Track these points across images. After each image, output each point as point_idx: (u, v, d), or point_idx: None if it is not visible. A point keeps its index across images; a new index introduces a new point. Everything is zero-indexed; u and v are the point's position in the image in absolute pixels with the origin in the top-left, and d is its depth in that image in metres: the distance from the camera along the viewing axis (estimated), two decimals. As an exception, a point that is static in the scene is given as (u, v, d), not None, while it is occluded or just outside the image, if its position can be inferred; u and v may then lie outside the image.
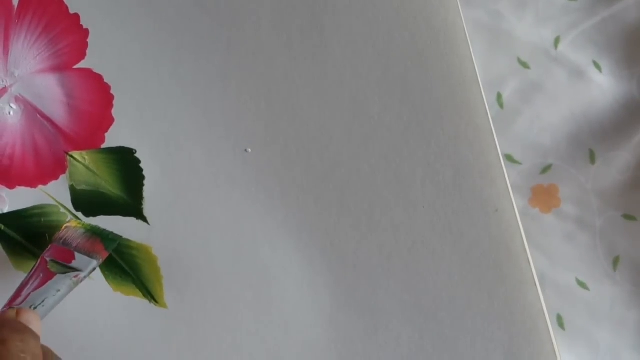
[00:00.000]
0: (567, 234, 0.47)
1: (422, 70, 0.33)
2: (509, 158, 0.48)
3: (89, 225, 0.34)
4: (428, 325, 0.33)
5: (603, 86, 0.48)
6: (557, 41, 0.48)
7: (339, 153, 0.33)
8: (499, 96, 0.48)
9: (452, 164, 0.33)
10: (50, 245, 0.32)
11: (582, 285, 0.47)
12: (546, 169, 0.48)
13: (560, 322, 0.47)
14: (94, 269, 0.32)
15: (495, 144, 0.33)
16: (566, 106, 0.48)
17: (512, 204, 0.33)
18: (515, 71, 0.48)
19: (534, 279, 0.33)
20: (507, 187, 0.33)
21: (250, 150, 0.33)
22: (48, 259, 0.31)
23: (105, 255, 0.33)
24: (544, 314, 0.33)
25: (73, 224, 0.34)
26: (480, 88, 0.33)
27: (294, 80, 0.33)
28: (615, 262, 0.47)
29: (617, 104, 0.47)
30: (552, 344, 0.33)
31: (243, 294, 0.34)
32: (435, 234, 0.33)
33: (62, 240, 0.32)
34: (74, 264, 0.31)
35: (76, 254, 0.32)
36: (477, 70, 0.33)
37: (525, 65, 0.48)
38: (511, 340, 0.33)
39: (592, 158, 0.47)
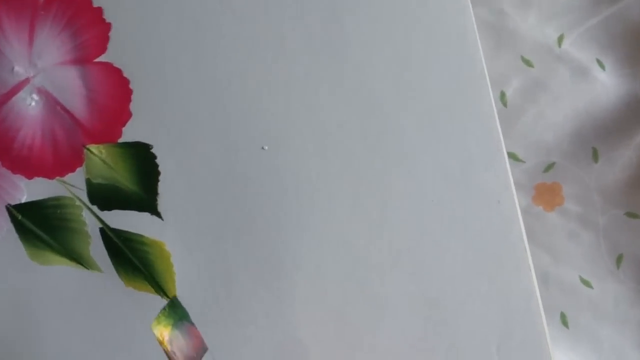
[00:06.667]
0: (571, 232, 0.48)
1: (435, 68, 0.33)
2: (512, 156, 0.48)
3: None
4: (431, 313, 0.34)
5: (606, 84, 0.48)
6: (560, 39, 0.48)
7: (354, 150, 0.33)
8: (503, 94, 0.48)
9: (460, 159, 0.34)
10: None
11: (585, 283, 0.47)
12: (549, 167, 0.48)
13: (563, 320, 0.47)
14: None
15: (500, 139, 0.34)
16: (569, 104, 0.48)
17: (513, 196, 0.34)
18: (519, 69, 0.48)
19: (529, 264, 0.34)
20: (509, 180, 0.34)
21: (267, 147, 0.33)
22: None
23: None
24: (537, 297, 0.34)
25: None
26: (487, 85, 0.34)
27: (311, 77, 0.33)
28: (619, 260, 0.47)
29: (620, 102, 0.48)
30: (543, 325, 0.33)
31: (255, 289, 0.34)
32: (442, 227, 0.34)
33: None
34: None
35: None
36: (485, 68, 0.34)
37: (528, 63, 0.48)
38: (506, 323, 0.34)
39: (596, 156, 0.48)
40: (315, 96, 0.33)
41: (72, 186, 0.34)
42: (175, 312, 0.34)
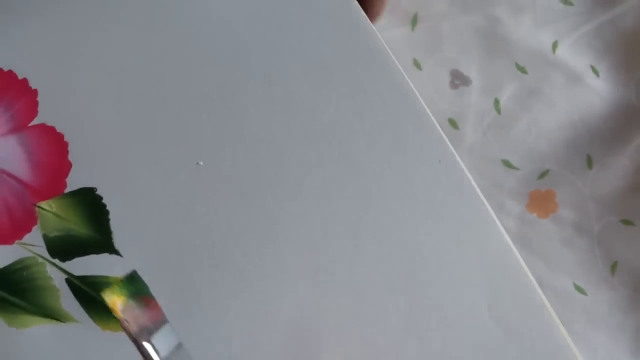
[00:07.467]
0: (565, 239, 0.47)
1: (343, 57, 0.35)
2: (506, 163, 0.48)
3: None
4: (410, 289, 0.34)
5: (600, 91, 0.48)
6: (554, 46, 0.48)
7: (287, 150, 0.35)
8: (497, 102, 0.48)
9: (388, 128, 0.34)
10: None
11: (580, 290, 0.47)
12: (543, 175, 0.48)
13: (558, 327, 0.47)
14: None
15: (418, 99, 0.34)
16: (564, 111, 0.48)
17: (452, 153, 0.34)
18: (513, 76, 0.48)
19: (491, 216, 0.34)
20: (443, 138, 0.34)
21: (202, 163, 0.34)
22: None
23: None
24: (510, 245, 0.34)
25: None
26: (390, 56, 0.34)
27: (230, 89, 0.35)
28: (613, 267, 0.47)
29: (614, 108, 0.47)
30: (523, 268, 0.33)
31: (226, 303, 0.34)
32: (392, 198, 0.34)
33: None
34: None
35: None
36: (379, 36, 0.35)
37: (523, 70, 0.48)
38: (490, 282, 0.34)
39: (590, 163, 0.47)
40: (235, 105, 0.35)
41: (31, 245, 0.35)
42: (133, 285, 0.34)
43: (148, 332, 0.34)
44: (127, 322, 0.34)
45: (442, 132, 0.34)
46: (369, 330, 0.34)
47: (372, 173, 0.34)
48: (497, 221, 0.33)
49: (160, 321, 0.34)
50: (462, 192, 0.34)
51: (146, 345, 0.33)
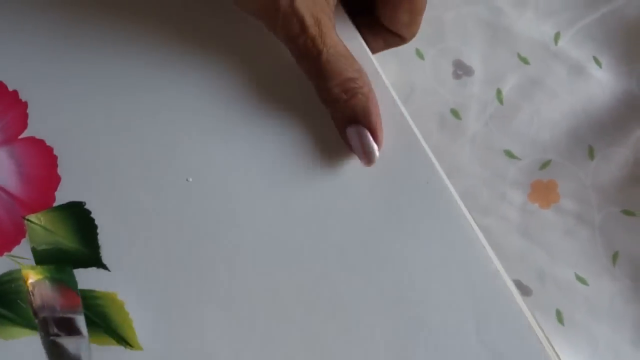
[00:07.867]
0: (567, 230, 0.48)
1: None
2: (508, 154, 0.48)
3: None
4: (396, 310, 0.34)
5: (602, 82, 0.48)
6: (557, 37, 0.48)
7: (275, 168, 0.35)
8: (499, 92, 0.48)
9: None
10: None
11: (581, 280, 0.47)
12: (545, 165, 0.48)
13: (559, 317, 0.47)
14: None
15: (408, 122, 0.34)
16: (566, 102, 0.48)
17: (440, 173, 0.34)
18: (515, 67, 0.48)
19: (479, 238, 0.33)
20: (431, 159, 0.34)
21: (191, 179, 0.35)
22: None
23: None
24: (497, 268, 0.33)
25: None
26: (377, 70, 0.34)
27: (222, 110, 0.35)
28: (615, 257, 0.47)
29: (616, 99, 0.48)
30: (511, 291, 0.33)
31: (213, 320, 0.34)
32: (379, 220, 0.34)
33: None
34: None
35: None
36: (371, 57, 0.34)
37: (525, 60, 0.48)
38: (476, 303, 0.33)
39: (591, 154, 0.48)
40: (222, 125, 0.35)
41: (20, 258, 0.35)
42: (58, 273, 0.35)
43: (50, 310, 0.34)
44: (33, 295, 0.34)
45: (429, 153, 0.34)
46: (356, 352, 0.34)
47: (357, 192, 0.34)
48: (486, 244, 0.33)
49: (70, 310, 0.34)
50: (449, 215, 0.33)
51: (45, 320, 0.34)
